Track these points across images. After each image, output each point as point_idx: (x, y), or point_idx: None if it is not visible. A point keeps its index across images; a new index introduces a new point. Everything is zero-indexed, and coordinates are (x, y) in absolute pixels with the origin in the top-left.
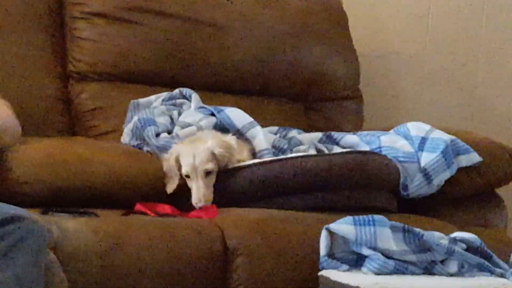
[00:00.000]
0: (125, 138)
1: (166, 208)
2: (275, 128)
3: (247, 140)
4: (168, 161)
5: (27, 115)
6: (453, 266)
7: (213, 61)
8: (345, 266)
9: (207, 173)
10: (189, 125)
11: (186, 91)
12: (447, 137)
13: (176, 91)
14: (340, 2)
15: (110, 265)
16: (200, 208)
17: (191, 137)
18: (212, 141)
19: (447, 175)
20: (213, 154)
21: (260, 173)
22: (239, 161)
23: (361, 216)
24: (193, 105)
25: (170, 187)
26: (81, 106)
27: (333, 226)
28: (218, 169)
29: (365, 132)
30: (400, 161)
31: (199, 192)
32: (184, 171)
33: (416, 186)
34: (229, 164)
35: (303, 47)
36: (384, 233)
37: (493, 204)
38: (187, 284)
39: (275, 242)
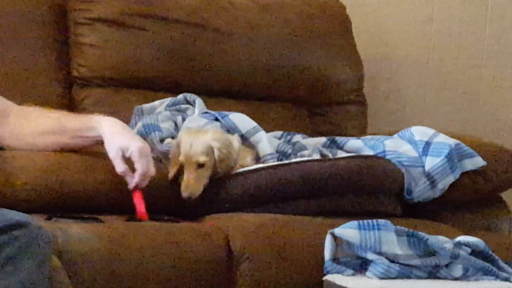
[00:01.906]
0: None
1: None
2: (279, 133)
3: (251, 145)
4: (173, 147)
5: None
6: (457, 270)
7: (217, 66)
8: (350, 271)
9: (200, 165)
10: None
11: (190, 96)
12: (451, 141)
13: (180, 96)
14: (343, 7)
15: (114, 270)
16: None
17: (198, 128)
18: (213, 135)
19: (451, 179)
20: (210, 147)
21: (265, 177)
22: (242, 166)
23: (365, 221)
24: (197, 110)
25: (171, 173)
26: (84, 111)
27: (338, 230)
28: (215, 166)
29: (369, 137)
30: (404, 166)
31: (187, 182)
32: (180, 159)
33: (420, 191)
34: (228, 162)
35: (306, 52)
36: (388, 237)
37: (498, 208)
38: None
39: (280, 247)
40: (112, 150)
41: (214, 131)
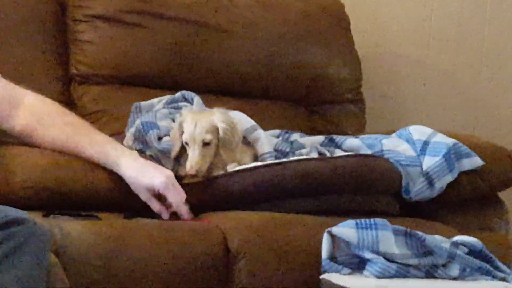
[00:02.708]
0: (128, 142)
1: None
2: (278, 131)
3: (250, 144)
4: (174, 126)
5: None
6: (455, 270)
7: (216, 64)
8: (347, 270)
9: (205, 144)
10: None
11: (188, 94)
12: (449, 140)
13: (179, 94)
14: (342, 5)
15: (112, 268)
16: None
17: (201, 109)
18: (218, 115)
19: (449, 178)
20: (215, 127)
21: (262, 176)
22: (240, 164)
23: (363, 220)
24: (195, 108)
25: (173, 152)
26: (83, 109)
27: (335, 229)
28: (218, 147)
29: (367, 136)
30: (402, 165)
31: (193, 160)
32: (183, 138)
33: (418, 190)
34: (231, 145)
35: (305, 50)
36: (386, 236)
37: (495, 208)
38: (189, 287)
39: (277, 245)
40: (142, 193)
41: (221, 112)
